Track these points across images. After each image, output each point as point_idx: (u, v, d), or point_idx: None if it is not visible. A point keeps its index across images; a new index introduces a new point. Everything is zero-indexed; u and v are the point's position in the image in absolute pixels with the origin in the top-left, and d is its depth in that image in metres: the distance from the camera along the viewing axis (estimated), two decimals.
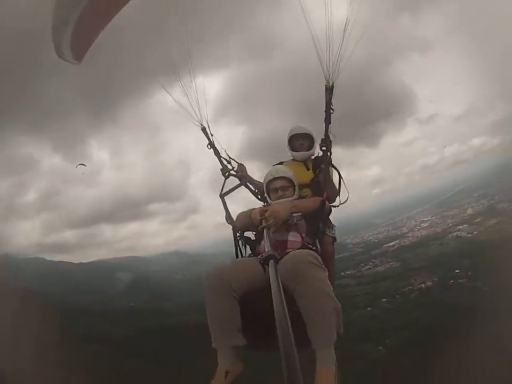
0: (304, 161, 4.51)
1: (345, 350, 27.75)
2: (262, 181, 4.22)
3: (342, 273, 54.49)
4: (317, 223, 3.66)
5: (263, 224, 3.04)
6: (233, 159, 4.67)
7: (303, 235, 3.48)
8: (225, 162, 4.62)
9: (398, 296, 43.36)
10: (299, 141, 4.55)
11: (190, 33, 4.41)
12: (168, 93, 4.67)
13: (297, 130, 4.58)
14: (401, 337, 32.24)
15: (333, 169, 4.28)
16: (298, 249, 3.18)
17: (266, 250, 2.26)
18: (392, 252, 63.11)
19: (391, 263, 57.54)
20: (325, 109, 4.11)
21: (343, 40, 3.79)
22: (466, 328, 30.09)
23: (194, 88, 4.50)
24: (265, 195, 3.95)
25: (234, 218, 4.12)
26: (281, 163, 4.59)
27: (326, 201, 3.76)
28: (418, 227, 72.26)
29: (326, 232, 4.03)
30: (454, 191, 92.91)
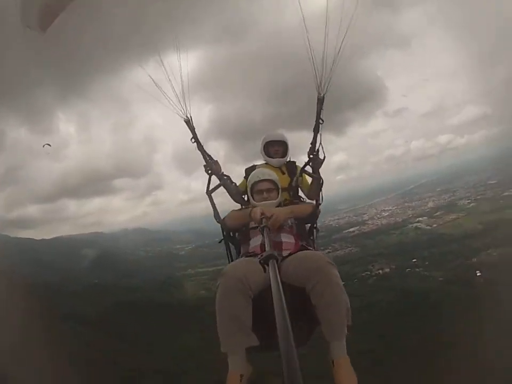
0: (277, 167, 4.54)
1: None
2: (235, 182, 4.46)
3: None
4: (307, 225, 3.92)
5: (263, 223, 3.03)
6: (209, 156, 4.44)
7: (295, 237, 3.58)
8: (208, 158, 4.36)
9: (356, 280, 44.97)
10: (274, 147, 4.57)
11: (171, 10, 4.27)
12: (153, 80, 4.25)
13: (273, 137, 4.61)
14: (358, 320, 33.13)
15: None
16: (299, 250, 3.28)
17: (266, 249, 2.27)
18: (352, 237, 65.06)
19: (350, 248, 59.24)
20: (315, 118, 4.21)
21: (337, 57, 3.84)
22: (420, 314, 31.54)
23: (180, 71, 4.14)
24: (249, 195, 3.95)
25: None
26: (254, 166, 4.63)
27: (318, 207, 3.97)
28: (379, 215, 74.55)
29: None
30: (417, 183, 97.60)
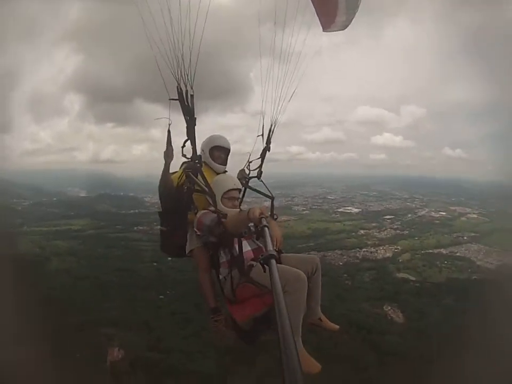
0: (218, 173, 4.62)
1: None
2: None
3: (135, 228, 55.44)
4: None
5: (263, 222, 3.05)
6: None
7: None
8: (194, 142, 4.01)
9: None
10: (219, 152, 4.64)
11: None
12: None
13: (222, 143, 4.64)
14: (180, 289, 33.13)
15: None
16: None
17: (268, 249, 2.28)
18: None
19: None
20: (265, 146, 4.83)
21: (291, 96, 4.48)
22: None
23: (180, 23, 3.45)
24: (218, 198, 3.96)
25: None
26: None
27: None
28: None
29: None
30: (258, 182, 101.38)
